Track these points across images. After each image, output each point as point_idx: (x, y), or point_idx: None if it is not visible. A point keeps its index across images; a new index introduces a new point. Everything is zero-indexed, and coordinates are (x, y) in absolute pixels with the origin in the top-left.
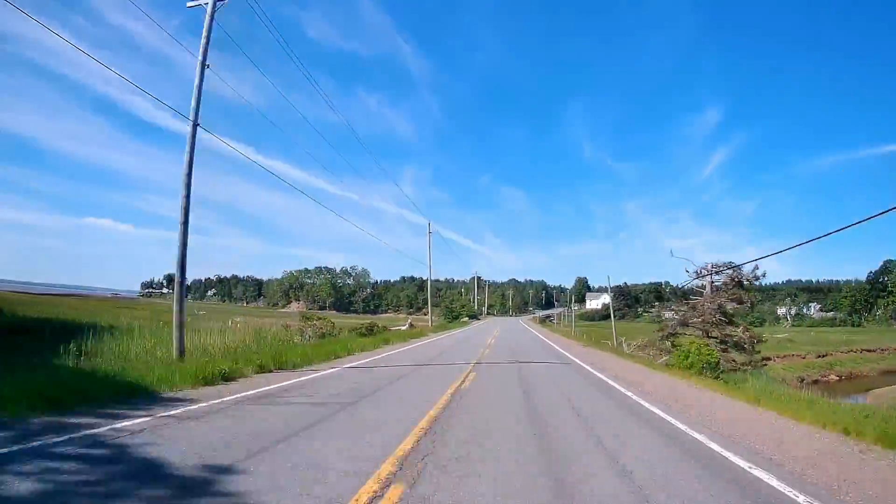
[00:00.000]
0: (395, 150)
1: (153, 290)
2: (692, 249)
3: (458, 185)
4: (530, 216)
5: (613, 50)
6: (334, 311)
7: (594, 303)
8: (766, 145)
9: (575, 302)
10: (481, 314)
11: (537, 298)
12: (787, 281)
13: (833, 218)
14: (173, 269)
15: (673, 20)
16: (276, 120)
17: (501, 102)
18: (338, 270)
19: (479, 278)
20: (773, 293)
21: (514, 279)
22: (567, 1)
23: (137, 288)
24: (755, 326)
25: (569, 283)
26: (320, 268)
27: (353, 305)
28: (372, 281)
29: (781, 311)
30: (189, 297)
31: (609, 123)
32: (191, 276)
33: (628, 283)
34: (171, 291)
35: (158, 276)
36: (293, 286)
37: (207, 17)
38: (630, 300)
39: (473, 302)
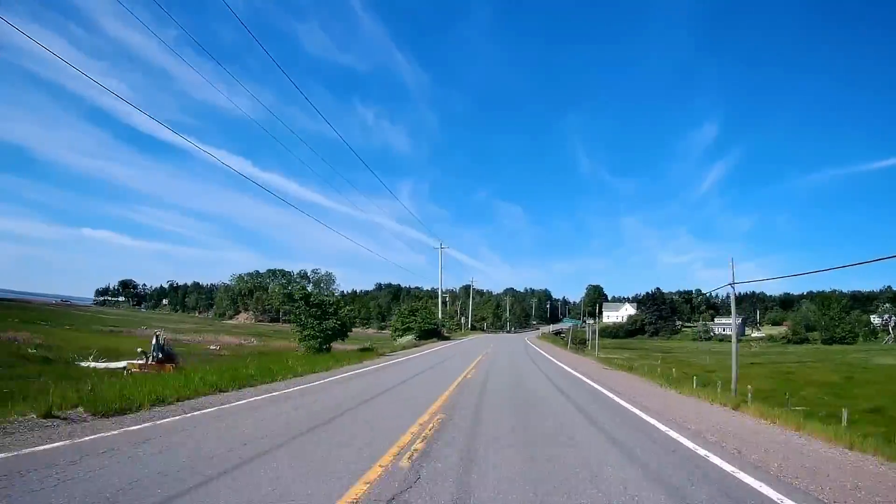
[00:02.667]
0: (392, 164)
1: (108, 299)
2: (690, 265)
3: (455, 199)
4: (527, 231)
5: (611, 65)
6: (289, 325)
7: (615, 315)
8: (763, 161)
9: (588, 315)
10: (454, 329)
11: (541, 310)
12: (808, 292)
13: (832, 232)
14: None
15: (670, 36)
16: (271, 132)
17: (498, 117)
18: (295, 274)
19: (470, 286)
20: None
21: (511, 288)
22: (565, 16)
23: (91, 295)
24: (847, 344)
25: (572, 297)
26: (274, 271)
27: None
28: (337, 288)
29: (876, 319)
30: (142, 307)
31: (606, 138)
32: (151, 284)
33: (662, 290)
34: (125, 300)
35: (113, 283)
36: (243, 293)
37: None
38: (665, 310)
39: (438, 311)
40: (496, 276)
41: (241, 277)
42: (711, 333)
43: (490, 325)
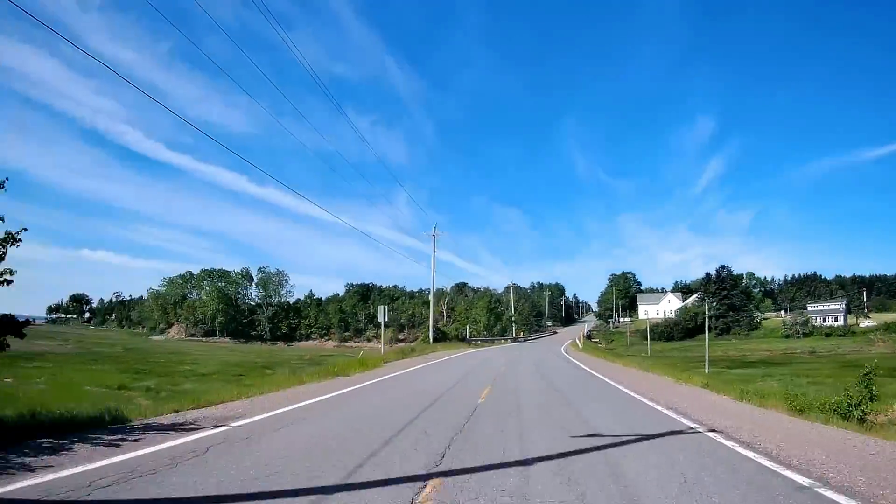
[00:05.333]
0: (387, 172)
1: (61, 316)
2: (690, 262)
3: (452, 205)
4: (527, 234)
5: (604, 64)
6: (227, 339)
7: (654, 309)
8: (760, 153)
9: (619, 311)
10: (425, 342)
11: (554, 308)
12: (835, 277)
13: (830, 221)
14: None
15: (662, 30)
16: (267, 145)
17: (494, 121)
18: (234, 273)
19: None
20: None
21: (515, 284)
22: (557, 17)
23: (43, 312)
24: None
25: (581, 297)
26: (209, 271)
27: (258, 327)
28: (291, 291)
29: None
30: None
31: (602, 138)
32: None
33: (728, 267)
34: (77, 318)
35: (65, 299)
36: (175, 302)
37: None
38: (738, 298)
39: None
40: (496, 280)
41: (171, 281)
42: (812, 326)
43: (483, 331)
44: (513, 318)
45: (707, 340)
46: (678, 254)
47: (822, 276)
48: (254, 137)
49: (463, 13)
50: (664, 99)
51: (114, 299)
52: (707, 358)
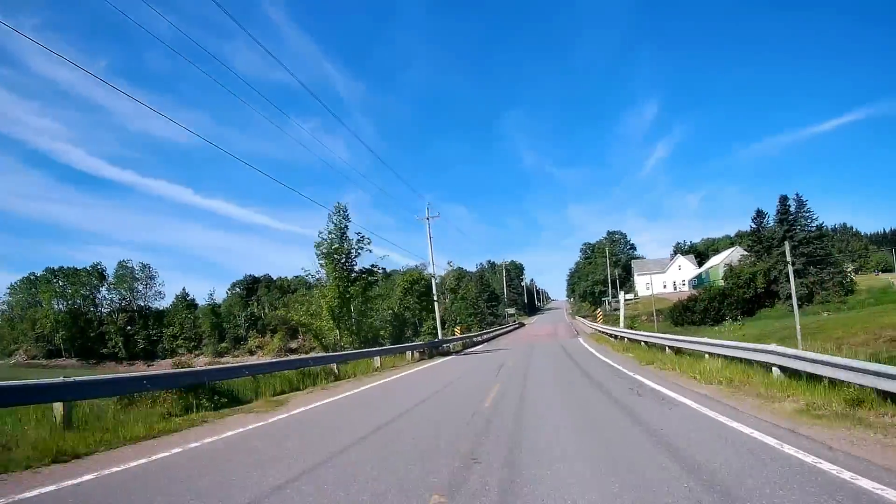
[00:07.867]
0: (333, 176)
1: None
2: (643, 247)
3: (400, 206)
4: (477, 230)
5: (549, 55)
6: (75, 360)
7: (660, 280)
8: (707, 135)
9: (613, 286)
10: None
11: (514, 292)
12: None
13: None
14: None
15: (605, 18)
16: (210, 157)
17: (438, 120)
18: (84, 271)
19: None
20: None
21: (460, 268)
22: (499, 9)
23: None
24: None
25: (539, 286)
26: (55, 270)
27: (111, 341)
28: (161, 291)
29: None
30: None
31: (549, 130)
32: None
33: (801, 196)
34: None
35: None
36: (20, 318)
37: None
38: (818, 245)
39: None
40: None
41: (15, 289)
42: None
43: (342, 339)
44: (434, 298)
45: None
46: (634, 237)
47: (854, 228)
48: (198, 149)
49: (403, 11)
50: (610, 86)
51: None
52: None
